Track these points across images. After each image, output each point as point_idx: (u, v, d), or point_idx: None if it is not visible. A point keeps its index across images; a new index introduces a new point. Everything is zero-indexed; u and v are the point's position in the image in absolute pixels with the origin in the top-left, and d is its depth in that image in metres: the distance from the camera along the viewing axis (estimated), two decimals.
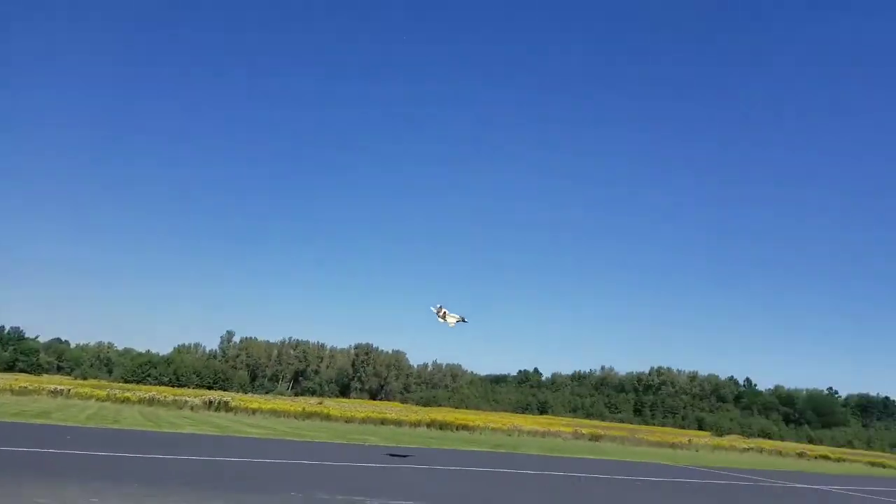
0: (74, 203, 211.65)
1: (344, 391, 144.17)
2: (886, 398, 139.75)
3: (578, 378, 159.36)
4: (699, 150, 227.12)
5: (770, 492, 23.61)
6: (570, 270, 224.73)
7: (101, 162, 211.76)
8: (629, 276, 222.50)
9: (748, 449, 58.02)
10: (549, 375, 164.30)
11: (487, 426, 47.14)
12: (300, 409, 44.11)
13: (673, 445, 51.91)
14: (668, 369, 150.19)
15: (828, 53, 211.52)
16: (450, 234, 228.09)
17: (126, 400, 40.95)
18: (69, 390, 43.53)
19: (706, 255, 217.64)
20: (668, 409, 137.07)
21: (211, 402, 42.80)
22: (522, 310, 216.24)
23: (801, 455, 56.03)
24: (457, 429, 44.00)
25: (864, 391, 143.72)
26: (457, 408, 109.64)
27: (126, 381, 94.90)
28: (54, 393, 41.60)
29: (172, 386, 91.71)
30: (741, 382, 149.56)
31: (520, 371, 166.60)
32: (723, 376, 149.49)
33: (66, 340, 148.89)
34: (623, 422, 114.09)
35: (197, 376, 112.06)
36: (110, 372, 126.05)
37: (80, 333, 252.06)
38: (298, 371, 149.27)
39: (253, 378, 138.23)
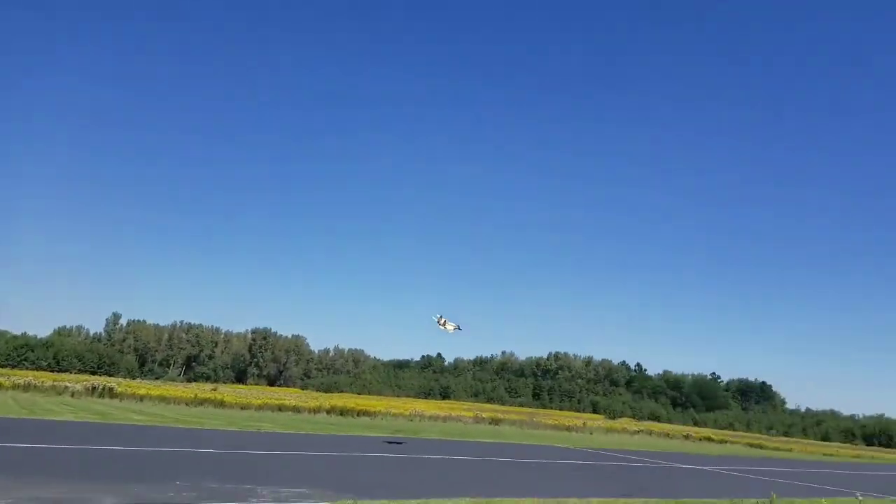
0: None
1: (240, 377, 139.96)
2: (763, 383, 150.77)
3: (480, 363, 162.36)
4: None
5: (657, 471, 24.64)
6: (474, 259, 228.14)
7: None
8: (529, 265, 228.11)
9: (638, 431, 60.86)
10: (451, 361, 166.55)
11: (389, 411, 46.82)
12: (192, 395, 42.07)
13: (568, 428, 53.56)
14: (566, 354, 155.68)
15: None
16: (349, 216, 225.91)
17: None
18: None
19: (603, 248, 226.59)
20: (565, 392, 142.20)
21: (94, 388, 40.30)
22: (426, 295, 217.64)
23: (686, 437, 59.25)
24: (357, 415, 43.40)
25: (743, 376, 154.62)
26: (359, 394, 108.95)
27: None
28: None
29: (52, 371, 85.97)
30: (633, 367, 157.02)
31: (423, 356, 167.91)
32: (616, 361, 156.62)
33: None
34: (522, 406, 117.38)
35: (79, 361, 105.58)
36: None
37: None
38: (191, 356, 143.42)
39: (142, 363, 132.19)
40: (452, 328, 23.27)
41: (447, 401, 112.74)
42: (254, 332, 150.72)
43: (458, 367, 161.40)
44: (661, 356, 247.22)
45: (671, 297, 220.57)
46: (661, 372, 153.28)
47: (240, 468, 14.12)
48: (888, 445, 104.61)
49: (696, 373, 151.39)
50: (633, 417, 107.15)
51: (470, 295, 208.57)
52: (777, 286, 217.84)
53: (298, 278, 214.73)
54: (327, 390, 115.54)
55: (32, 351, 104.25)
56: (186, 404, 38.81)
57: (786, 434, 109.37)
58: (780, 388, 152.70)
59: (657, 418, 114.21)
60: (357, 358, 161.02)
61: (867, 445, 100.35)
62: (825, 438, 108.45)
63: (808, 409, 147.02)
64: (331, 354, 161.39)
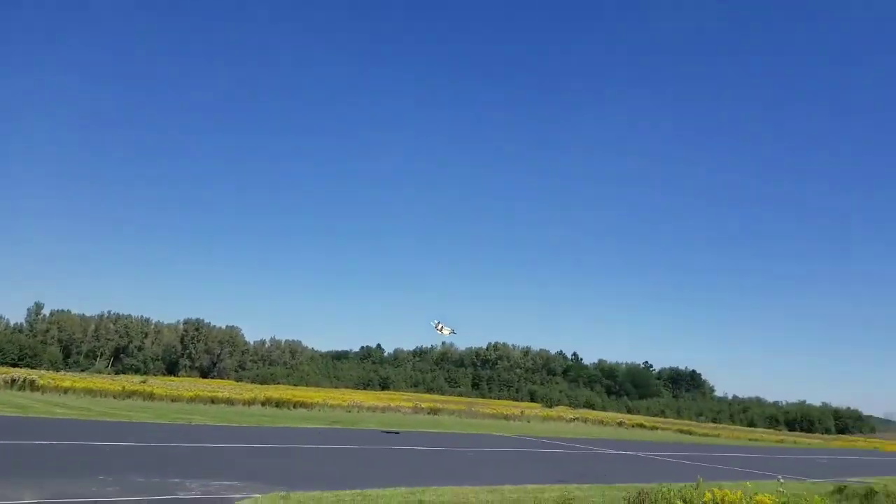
0: None
1: (171, 369, 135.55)
2: (693, 371, 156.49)
3: (420, 354, 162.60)
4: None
5: (591, 458, 25.14)
6: (414, 251, 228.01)
7: None
8: (472, 256, 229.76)
9: (574, 419, 62.16)
10: (391, 351, 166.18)
11: (326, 403, 46.22)
12: (120, 388, 40.42)
13: (507, 417, 54.19)
14: (504, 345, 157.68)
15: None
16: (295, 210, 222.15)
17: None
18: None
19: (541, 241, 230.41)
20: (504, 382, 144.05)
21: (14, 381, 38.17)
22: (365, 287, 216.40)
23: (620, 424, 60.91)
24: (294, 406, 42.64)
25: (674, 365, 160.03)
26: (296, 385, 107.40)
27: None
28: None
29: None
30: (569, 357, 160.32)
31: (362, 347, 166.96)
32: (553, 351, 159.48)
33: None
34: (462, 395, 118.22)
35: None
36: None
37: None
38: (119, 347, 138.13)
39: (66, 355, 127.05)
40: (448, 332, 25.53)
41: (386, 391, 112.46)
42: (186, 322, 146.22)
43: (397, 358, 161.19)
44: (596, 346, 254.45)
45: (606, 288, 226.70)
46: (596, 361, 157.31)
47: (168, 462, 13.58)
48: (809, 430, 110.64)
49: (629, 362, 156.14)
50: (570, 405, 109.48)
51: (413, 286, 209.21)
52: (706, 278, 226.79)
53: (233, 269, 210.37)
54: (263, 382, 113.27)
55: None
56: (114, 397, 37.25)
57: (714, 420, 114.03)
58: (709, 376, 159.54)
59: (592, 406, 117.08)
60: (294, 349, 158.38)
61: (790, 430, 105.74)
62: (751, 424, 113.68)
63: (735, 397, 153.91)
64: (267, 346, 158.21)
